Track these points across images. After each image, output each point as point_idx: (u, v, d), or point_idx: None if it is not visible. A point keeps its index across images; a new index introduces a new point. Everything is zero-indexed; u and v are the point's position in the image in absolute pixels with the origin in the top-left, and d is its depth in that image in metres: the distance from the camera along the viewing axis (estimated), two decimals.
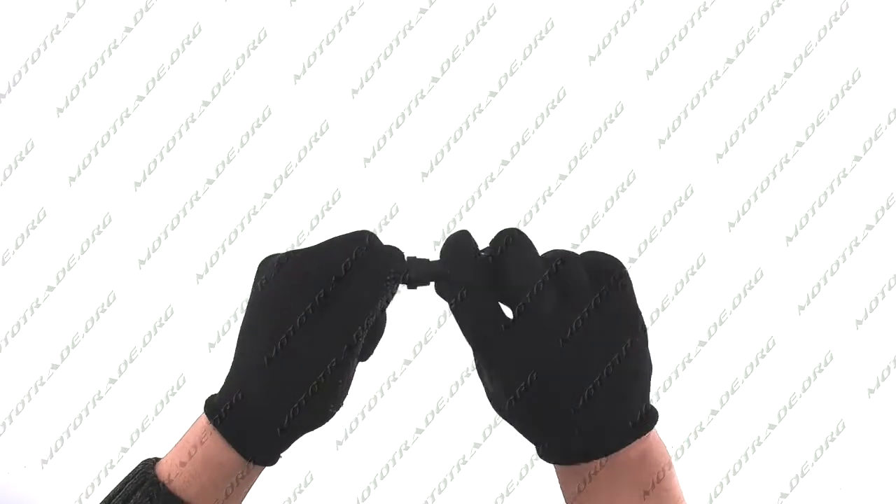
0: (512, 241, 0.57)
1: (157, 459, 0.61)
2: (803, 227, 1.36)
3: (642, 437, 0.56)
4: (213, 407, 0.58)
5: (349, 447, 1.26)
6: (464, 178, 1.37)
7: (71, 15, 1.40)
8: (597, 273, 0.58)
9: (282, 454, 0.59)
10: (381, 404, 1.28)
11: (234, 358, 0.58)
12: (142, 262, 1.39)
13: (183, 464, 0.58)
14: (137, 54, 1.40)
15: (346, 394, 0.59)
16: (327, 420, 0.59)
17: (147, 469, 0.59)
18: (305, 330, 0.56)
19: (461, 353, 0.62)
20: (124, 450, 1.36)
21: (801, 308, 1.36)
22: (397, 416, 1.29)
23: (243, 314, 0.59)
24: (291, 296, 0.57)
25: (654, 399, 0.60)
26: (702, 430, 1.34)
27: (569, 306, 0.56)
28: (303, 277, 0.57)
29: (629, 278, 0.60)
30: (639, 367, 0.58)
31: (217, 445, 0.57)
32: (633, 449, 0.56)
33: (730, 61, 1.36)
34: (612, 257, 0.60)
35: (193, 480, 0.57)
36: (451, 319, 0.59)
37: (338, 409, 0.59)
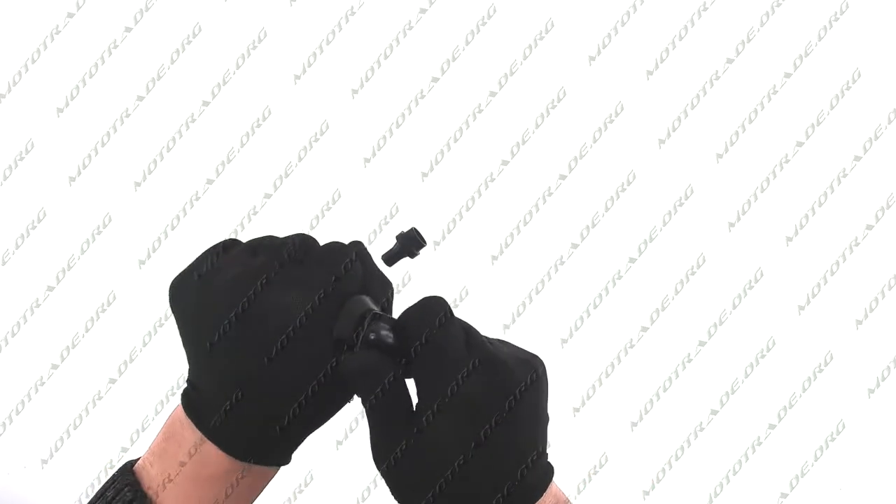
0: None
1: (133, 463, 0.58)
2: (803, 227, 1.36)
3: None
4: (202, 412, 0.54)
5: (349, 447, 1.26)
6: (464, 178, 1.37)
7: (71, 15, 1.40)
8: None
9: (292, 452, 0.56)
10: None
11: (211, 356, 0.53)
12: (142, 262, 1.39)
13: (171, 479, 0.55)
14: (137, 54, 1.40)
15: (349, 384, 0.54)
16: (334, 411, 0.56)
17: (128, 477, 0.56)
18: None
19: None
20: (124, 450, 1.36)
21: (801, 308, 1.36)
22: None
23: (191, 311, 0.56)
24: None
25: (655, 399, 0.59)
26: (702, 430, 1.34)
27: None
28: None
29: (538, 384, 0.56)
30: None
31: (177, 417, 0.55)
32: None
33: (730, 61, 1.36)
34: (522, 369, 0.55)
35: (155, 456, 0.55)
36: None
37: (343, 400, 0.56)
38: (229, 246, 0.59)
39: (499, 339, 0.57)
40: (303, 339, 0.53)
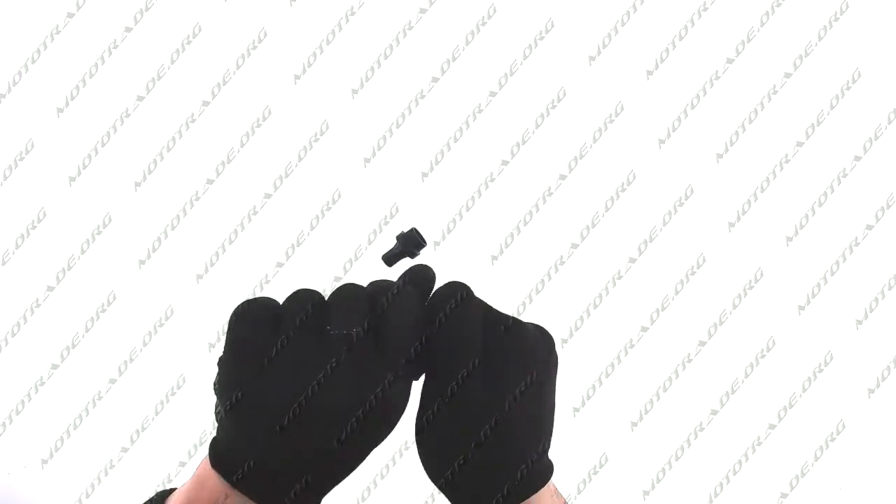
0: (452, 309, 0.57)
1: (169, 492, 0.59)
2: (803, 227, 1.36)
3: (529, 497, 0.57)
4: (228, 465, 0.55)
5: None
6: (464, 178, 1.37)
7: (71, 15, 1.40)
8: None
9: None
10: None
11: (240, 407, 0.54)
12: (142, 262, 1.39)
13: (179, 493, 0.56)
14: (137, 54, 1.40)
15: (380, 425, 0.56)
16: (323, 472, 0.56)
17: (163, 494, 0.57)
18: (324, 387, 0.54)
19: None
20: (124, 450, 1.36)
21: (801, 308, 1.36)
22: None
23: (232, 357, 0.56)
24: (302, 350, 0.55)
25: (655, 399, 0.60)
26: (702, 430, 1.34)
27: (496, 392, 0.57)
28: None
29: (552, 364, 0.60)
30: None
31: (213, 484, 0.55)
32: None
33: (730, 61, 1.36)
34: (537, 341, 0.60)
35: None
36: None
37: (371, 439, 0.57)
38: (266, 318, 0.57)
39: (513, 322, 0.59)
40: (363, 427, 0.54)
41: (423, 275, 0.59)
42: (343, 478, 0.56)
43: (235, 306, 0.57)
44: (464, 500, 0.58)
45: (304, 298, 0.56)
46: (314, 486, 0.55)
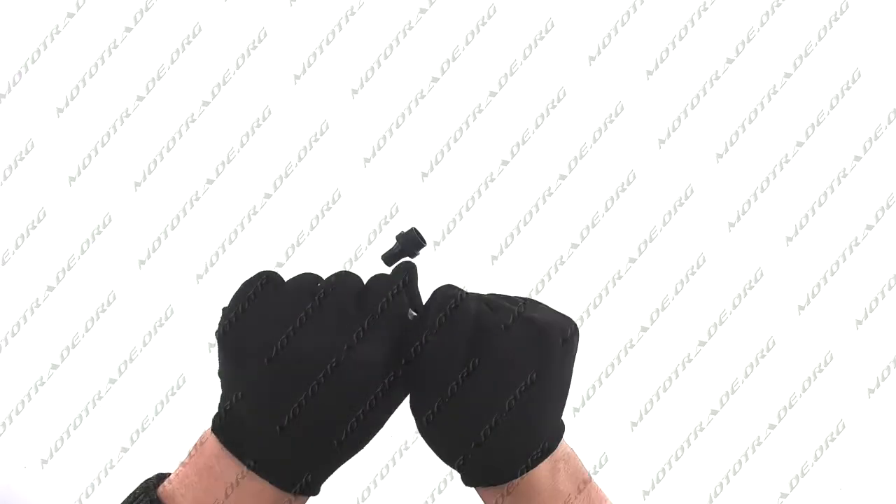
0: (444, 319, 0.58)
1: (155, 483, 0.60)
2: (803, 227, 1.36)
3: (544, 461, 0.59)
4: (215, 415, 0.58)
5: None
6: (464, 178, 1.37)
7: (71, 15, 1.40)
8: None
9: (292, 469, 0.57)
10: None
11: (231, 366, 0.57)
12: (142, 262, 1.39)
13: (178, 473, 0.57)
14: (137, 54, 1.40)
15: (370, 421, 0.58)
16: (341, 441, 0.58)
17: (149, 483, 0.59)
18: (304, 331, 0.56)
19: None
20: (124, 450, 1.36)
21: (801, 308, 1.36)
22: (398, 415, 1.29)
23: (228, 323, 0.58)
24: (291, 300, 0.57)
25: (655, 399, 0.60)
26: (702, 430, 1.34)
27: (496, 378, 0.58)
28: (303, 284, 0.58)
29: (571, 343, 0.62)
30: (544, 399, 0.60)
31: (212, 451, 0.57)
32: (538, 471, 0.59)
33: (730, 61, 1.36)
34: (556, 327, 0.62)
35: (187, 489, 0.57)
36: None
37: (361, 437, 0.59)
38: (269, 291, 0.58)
39: (531, 302, 0.61)
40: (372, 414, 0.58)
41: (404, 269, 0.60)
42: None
43: (249, 277, 0.59)
44: (481, 472, 0.59)
45: (308, 286, 0.58)
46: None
